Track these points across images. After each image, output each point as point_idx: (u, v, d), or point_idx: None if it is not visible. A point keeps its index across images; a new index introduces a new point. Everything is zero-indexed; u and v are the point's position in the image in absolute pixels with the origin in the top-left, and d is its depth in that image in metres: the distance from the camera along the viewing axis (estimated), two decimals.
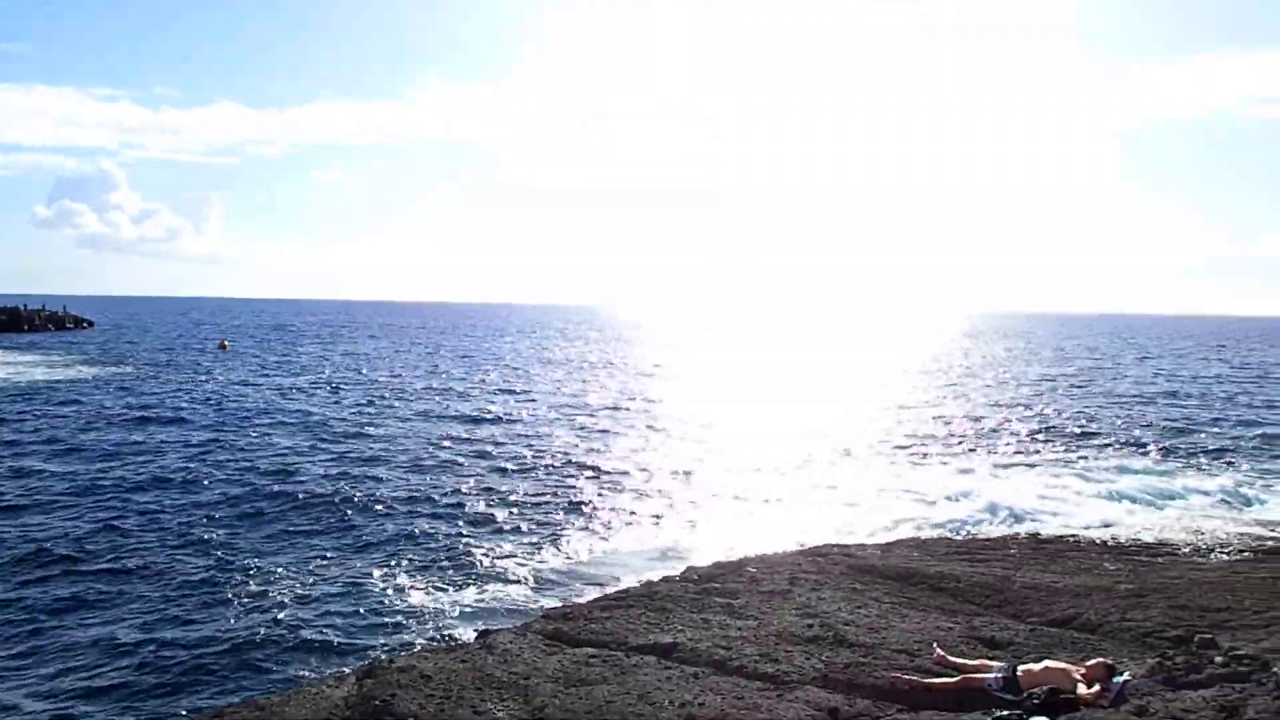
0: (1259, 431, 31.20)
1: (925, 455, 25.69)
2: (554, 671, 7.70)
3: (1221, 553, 13.64)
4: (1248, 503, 19.07)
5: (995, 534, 15.01)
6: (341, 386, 42.81)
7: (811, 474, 22.28)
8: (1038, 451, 26.58)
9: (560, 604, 11.17)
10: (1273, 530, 15.50)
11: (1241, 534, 15.40)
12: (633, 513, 18.28)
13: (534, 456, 24.60)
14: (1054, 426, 32.12)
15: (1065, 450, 26.81)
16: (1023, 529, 15.57)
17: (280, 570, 14.53)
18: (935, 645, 8.49)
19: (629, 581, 13.21)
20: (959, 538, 14.56)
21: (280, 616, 12.60)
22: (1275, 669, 7.31)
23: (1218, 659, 7.56)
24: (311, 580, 14.18)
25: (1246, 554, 13.47)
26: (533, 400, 38.08)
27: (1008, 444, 28.04)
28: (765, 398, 40.86)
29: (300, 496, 19.39)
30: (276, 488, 20.05)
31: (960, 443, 28.21)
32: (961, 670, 7.76)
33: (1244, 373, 62.42)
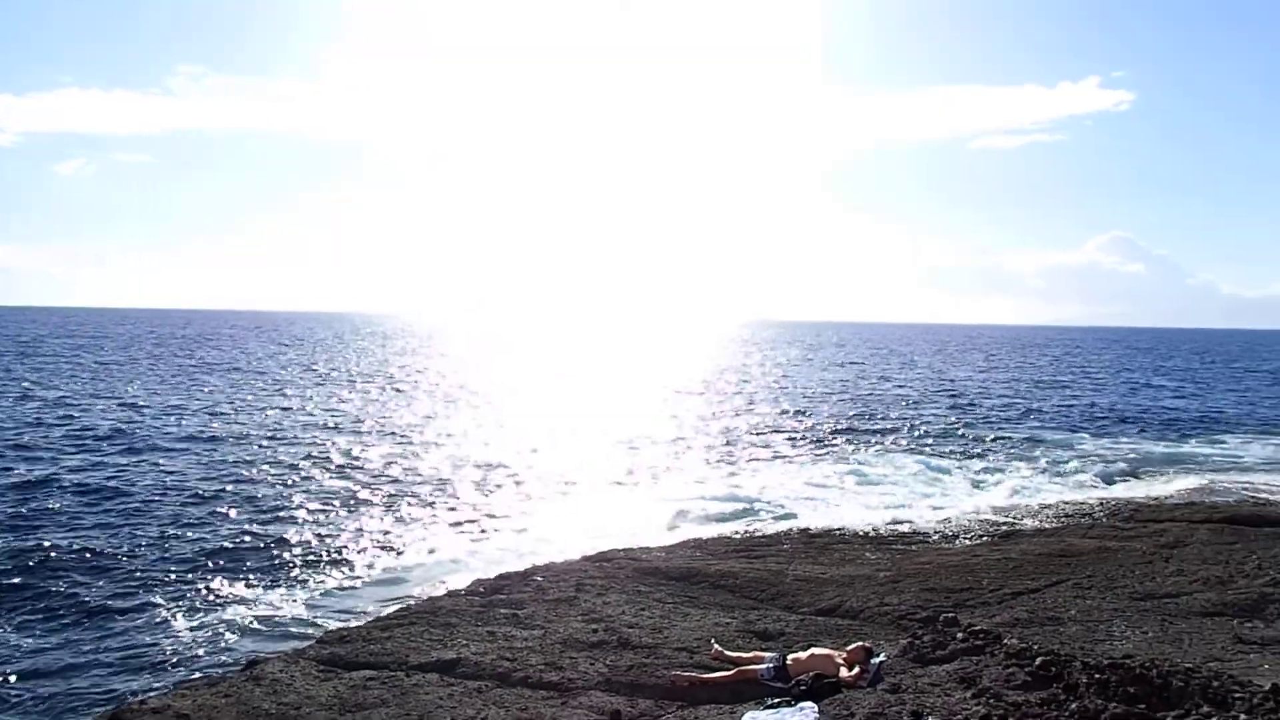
0: (1001, 432, 34.97)
1: (709, 457, 26.78)
2: (328, 699, 7.39)
3: (965, 538, 15.18)
4: (979, 486, 21.27)
5: (771, 531, 15.91)
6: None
7: (602, 480, 22.63)
8: (811, 451, 28.41)
9: (338, 626, 10.67)
10: (1007, 516, 17.40)
11: (982, 520, 17.19)
12: (417, 527, 17.80)
13: (310, 470, 23.35)
14: (824, 426, 34.45)
15: (837, 448, 28.84)
16: (796, 525, 16.56)
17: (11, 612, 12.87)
18: (713, 641, 8.90)
19: (413, 598, 12.86)
20: (738, 536, 15.30)
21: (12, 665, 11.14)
22: (1006, 640, 8.20)
23: (959, 635, 8.41)
24: (49, 614, 12.68)
25: (985, 538, 15.08)
26: (308, 414, 36.04)
27: (784, 444, 29.81)
28: (552, 407, 40.98)
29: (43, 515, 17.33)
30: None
31: (740, 444, 29.66)
32: (737, 664, 8.19)
33: (986, 375, 69.81)
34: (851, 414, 38.70)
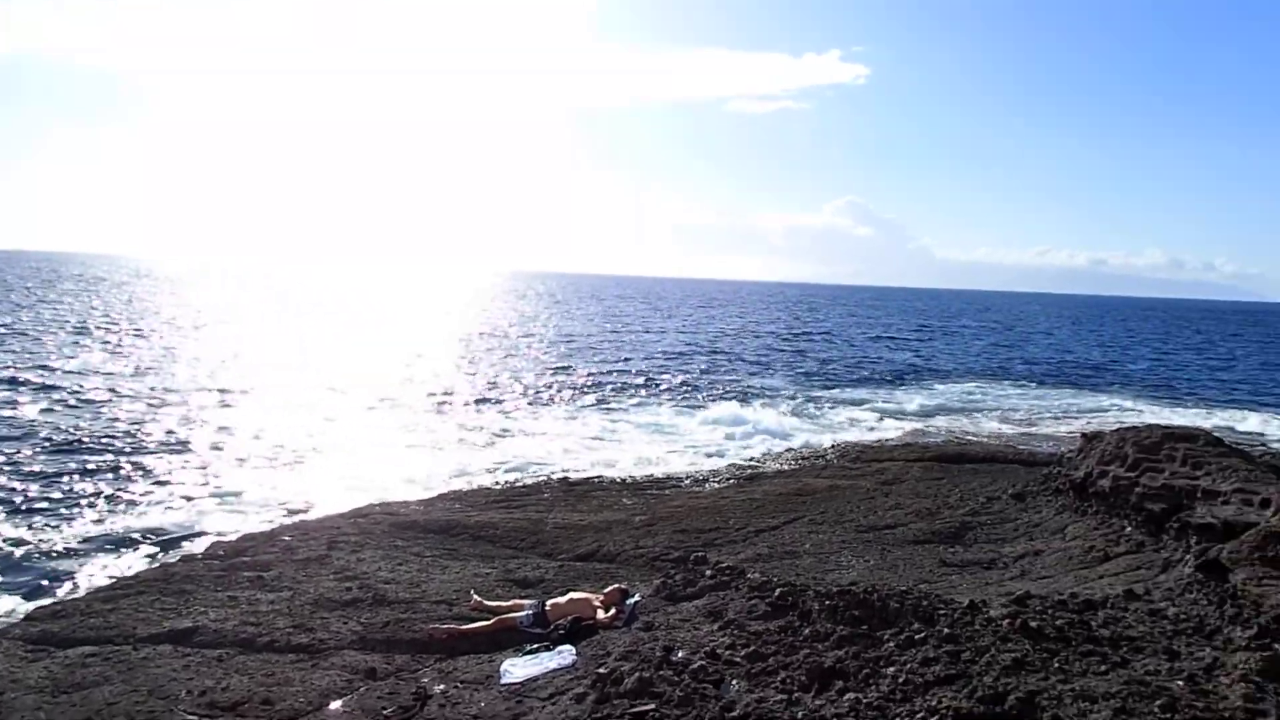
0: (750, 382, 37.19)
1: (471, 410, 26.46)
2: (38, 680, 6.66)
3: (714, 482, 16.08)
4: (730, 438, 22.60)
5: (532, 481, 16.05)
6: None
7: (358, 435, 21.72)
8: (572, 401, 28.83)
9: (52, 601, 9.59)
10: (749, 461, 18.62)
11: (729, 464, 18.27)
12: (148, 488, 16.21)
13: (19, 428, 20.63)
14: (585, 378, 35.06)
15: (597, 399, 29.43)
16: (556, 475, 16.79)
17: None
18: (472, 592, 8.88)
19: (141, 565, 11.77)
20: (499, 487, 15.31)
21: None
22: (749, 575, 8.80)
23: (708, 573, 8.91)
24: None
25: (732, 481, 16.06)
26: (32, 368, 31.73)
27: (547, 395, 30.01)
28: (301, 360, 38.72)
29: None
30: None
31: (503, 396, 29.54)
32: (496, 613, 8.24)
33: (739, 328, 73.94)
34: (611, 366, 39.66)
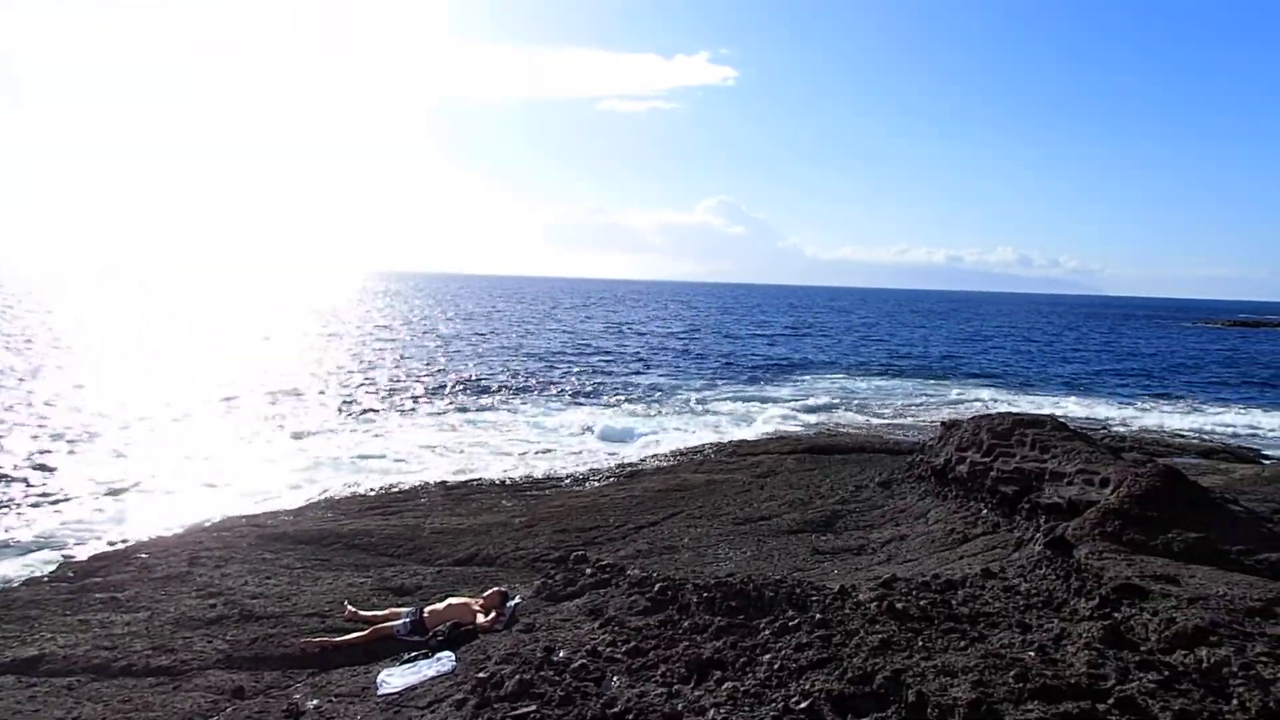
0: (631, 380, 37.42)
1: (345, 414, 25.63)
2: None
3: (594, 480, 16.12)
4: (622, 439, 22.71)
5: (409, 485, 15.68)
6: None
7: (223, 442, 20.70)
8: (450, 404, 28.33)
9: None
10: (630, 459, 18.75)
11: (610, 462, 18.33)
12: None
13: None
14: (464, 379, 34.51)
15: (477, 400, 29.01)
16: (434, 478, 16.46)
17: None
18: (346, 603, 8.63)
19: None
20: (373, 493, 14.90)
21: None
22: (629, 571, 8.87)
23: (588, 571, 8.92)
24: None
25: (612, 479, 16.13)
26: None
27: (424, 398, 29.37)
28: (163, 362, 36.67)
29: None
30: None
31: (379, 399, 28.75)
32: (372, 622, 8.03)
33: (621, 328, 74.25)
34: (491, 366, 39.20)
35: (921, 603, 7.02)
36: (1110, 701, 4.97)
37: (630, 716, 5.62)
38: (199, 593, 9.02)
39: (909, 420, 26.68)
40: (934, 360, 51.06)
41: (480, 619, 7.88)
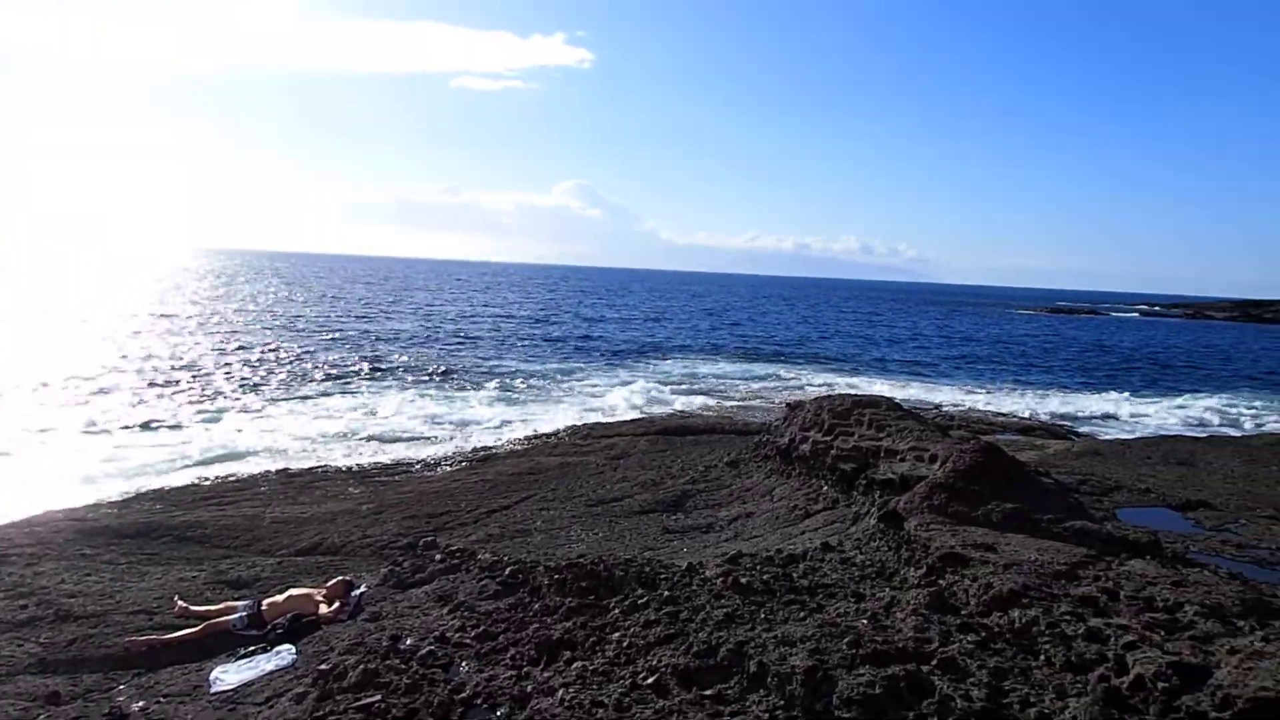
0: (493, 366, 36.89)
1: (179, 400, 24.12)
2: None
3: (446, 465, 15.85)
4: (463, 426, 22.39)
5: (247, 473, 14.95)
6: None
7: (39, 432, 19.08)
8: (295, 385, 27.14)
9: None
10: (484, 442, 18.54)
11: (463, 447, 18.05)
12: None
13: None
14: (312, 359, 33.14)
15: (322, 382, 27.91)
16: (275, 466, 15.76)
17: None
18: (176, 598, 8.17)
19: None
20: (208, 483, 14.12)
21: None
22: (480, 556, 8.80)
23: (438, 557, 8.79)
24: None
25: (465, 464, 15.92)
26: None
27: (265, 380, 28.01)
28: None
29: None
30: None
31: (214, 380, 27.22)
32: (205, 618, 7.65)
33: (479, 311, 73.07)
34: (338, 349, 37.80)
35: (765, 577, 7.29)
36: (934, 663, 5.32)
37: (479, 701, 5.59)
38: (7, 593, 8.31)
39: (758, 402, 27.54)
40: (783, 344, 52.90)
41: (323, 610, 7.64)
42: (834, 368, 40.53)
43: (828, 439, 12.55)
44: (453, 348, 41.19)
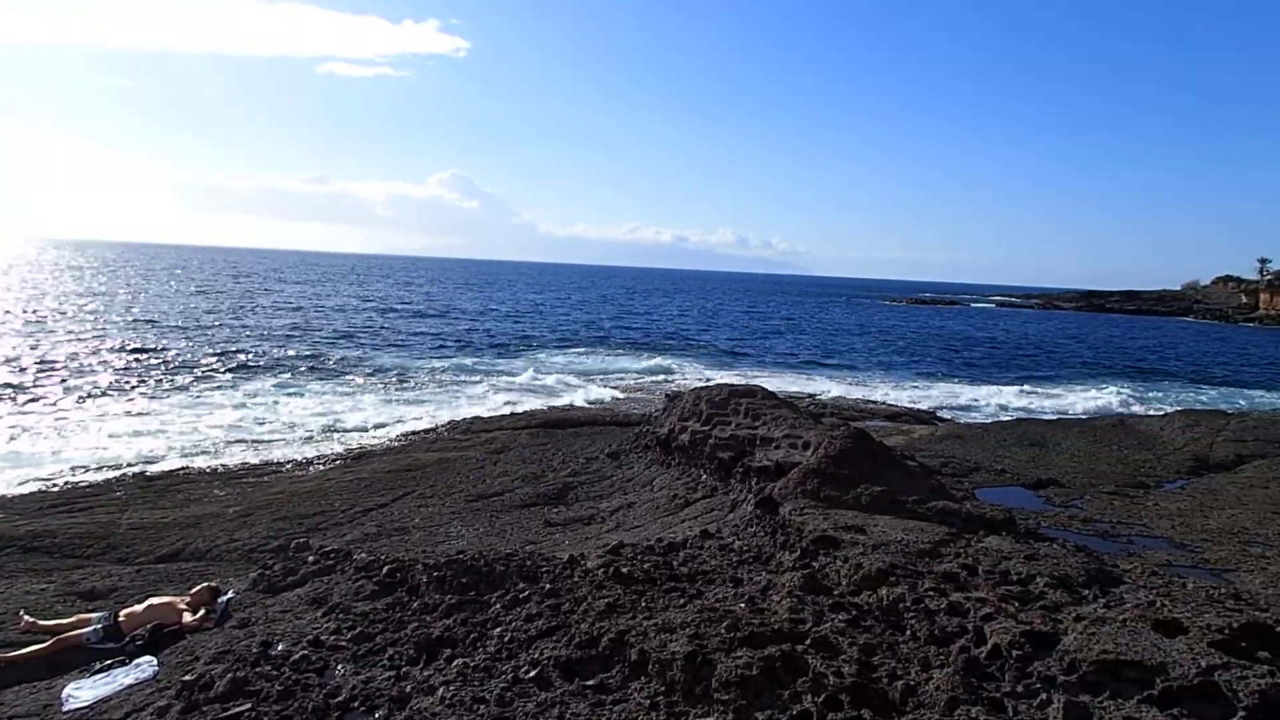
0: (375, 359, 35.84)
1: (14, 396, 22.45)
2: None
3: (319, 464, 15.35)
4: (335, 424, 21.74)
5: (101, 479, 14.07)
6: None
7: None
8: (154, 383, 25.69)
9: None
10: (358, 440, 18.05)
11: (337, 445, 17.52)
12: None
13: None
14: (174, 356, 31.42)
15: (185, 380, 26.52)
16: (132, 470, 14.92)
17: None
18: (22, 613, 7.65)
19: None
20: (56, 488, 13.24)
21: None
22: (356, 556, 8.57)
23: (311, 559, 8.51)
24: None
25: (338, 462, 15.46)
26: None
27: (120, 377, 26.40)
28: None
29: None
30: None
31: (63, 378, 25.46)
32: (55, 632, 7.18)
33: (355, 304, 70.83)
34: (201, 345, 35.96)
35: (645, 566, 7.38)
36: (808, 642, 5.50)
37: (355, 704, 5.46)
38: None
39: (639, 394, 27.79)
40: (664, 336, 53.52)
41: (187, 618, 7.28)
42: (714, 359, 41.29)
43: (706, 429, 12.79)
44: (325, 342, 39.85)
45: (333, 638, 6.45)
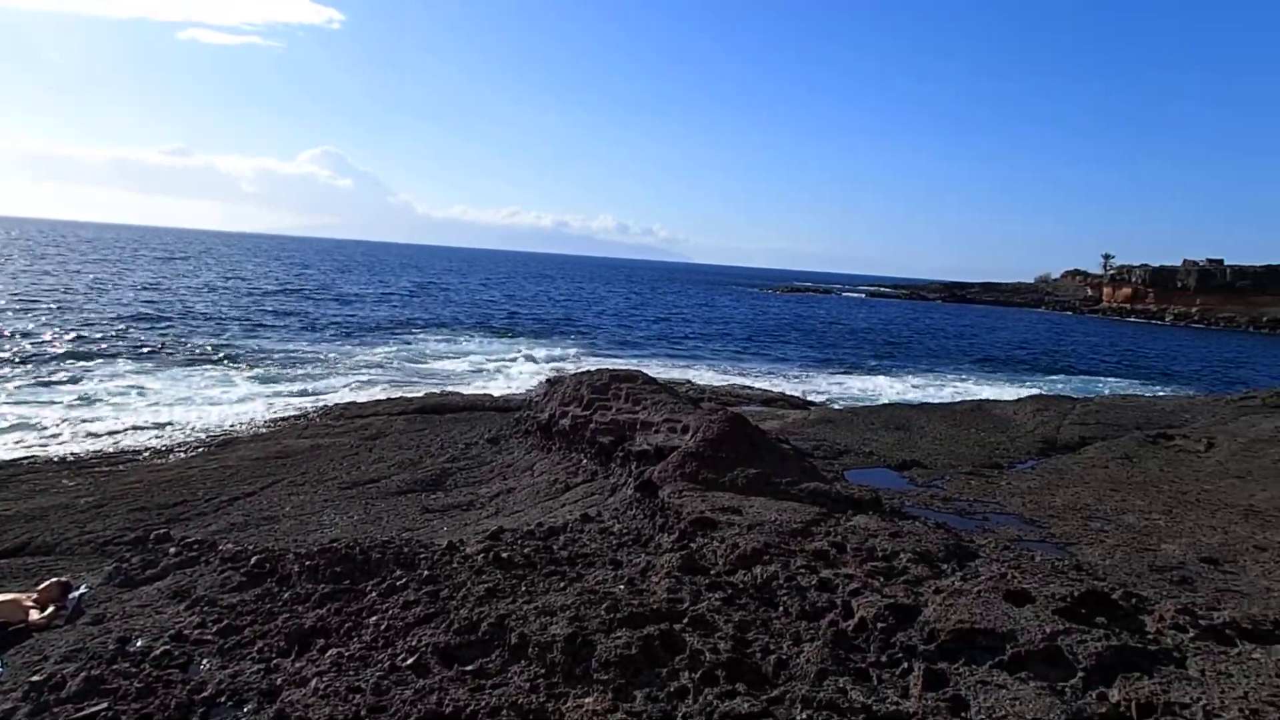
0: (228, 344, 34.21)
1: None
2: None
3: (180, 452, 14.63)
4: (203, 403, 20.76)
5: None
6: None
7: None
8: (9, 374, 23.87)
9: None
10: (224, 426, 17.29)
11: (199, 431, 16.74)
12: None
13: None
14: (13, 341, 29.22)
15: (23, 365, 24.72)
16: None
17: None
18: None
19: None
20: None
21: None
22: (221, 546, 8.25)
23: (173, 550, 8.13)
24: None
25: (201, 450, 14.78)
26: None
27: None
28: None
29: None
30: None
31: None
32: None
33: (203, 281, 67.44)
34: (44, 328, 33.59)
35: (526, 550, 7.39)
36: (685, 621, 5.64)
37: (222, 699, 5.28)
38: None
39: (521, 379, 27.62)
40: (546, 320, 53.31)
41: (34, 616, 6.85)
42: (596, 344, 41.41)
43: (587, 413, 12.85)
44: (187, 324, 37.89)
45: (197, 632, 6.21)
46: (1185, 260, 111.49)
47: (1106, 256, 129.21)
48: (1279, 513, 11.02)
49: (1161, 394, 29.95)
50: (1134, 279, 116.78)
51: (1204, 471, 13.51)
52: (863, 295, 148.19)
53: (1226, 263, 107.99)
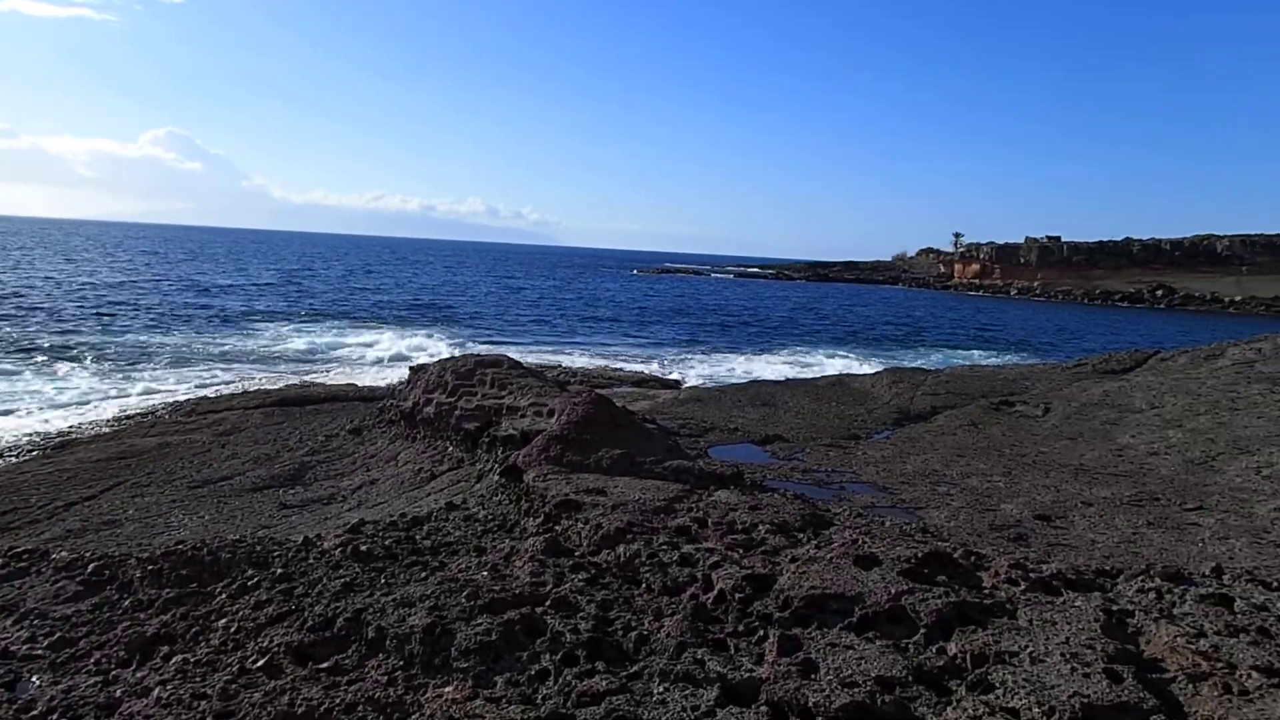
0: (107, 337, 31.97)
1: None
2: None
3: (10, 455, 13.65)
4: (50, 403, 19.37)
5: None
6: None
7: None
8: None
9: None
10: (60, 427, 16.20)
11: (32, 433, 15.63)
12: None
13: None
14: None
15: None
16: None
17: None
18: None
19: None
20: None
21: None
22: (55, 555, 7.73)
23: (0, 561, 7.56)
24: None
25: (35, 452, 13.84)
26: None
27: None
28: None
29: None
30: None
31: None
32: None
33: (40, 271, 62.76)
34: None
35: (387, 542, 7.24)
36: (548, 603, 5.65)
37: (54, 716, 4.97)
38: None
39: (385, 368, 26.95)
40: (411, 307, 52.06)
41: None
42: (464, 330, 40.79)
43: (451, 400, 12.66)
44: (15, 316, 35.14)
45: (26, 647, 5.81)
46: (1027, 237, 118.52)
47: (957, 235, 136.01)
48: (1105, 470, 11.93)
49: (1012, 362, 31.82)
50: (982, 256, 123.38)
51: (1040, 435, 14.48)
52: (731, 276, 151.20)
53: (1064, 239, 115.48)
